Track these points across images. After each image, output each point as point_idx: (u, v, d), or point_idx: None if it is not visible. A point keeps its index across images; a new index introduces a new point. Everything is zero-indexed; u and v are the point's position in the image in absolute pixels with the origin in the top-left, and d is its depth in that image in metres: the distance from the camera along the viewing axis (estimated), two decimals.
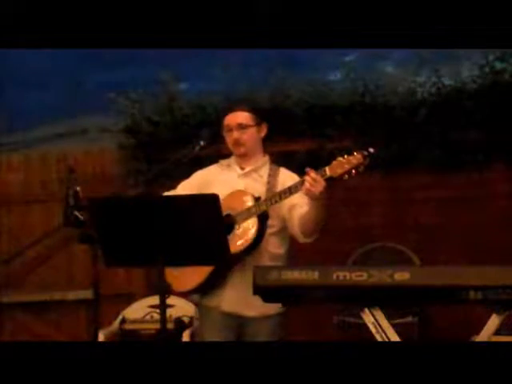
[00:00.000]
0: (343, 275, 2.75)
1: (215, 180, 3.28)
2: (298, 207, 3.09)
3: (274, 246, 3.17)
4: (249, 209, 3.08)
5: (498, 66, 5.24)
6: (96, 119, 6.79)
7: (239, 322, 3.17)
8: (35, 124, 8.58)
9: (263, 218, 3.10)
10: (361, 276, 2.74)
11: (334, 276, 2.76)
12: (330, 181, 2.88)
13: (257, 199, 3.11)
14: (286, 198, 3.04)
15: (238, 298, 3.13)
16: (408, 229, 5.24)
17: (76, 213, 3.17)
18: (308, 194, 2.92)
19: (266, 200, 3.09)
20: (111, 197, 3.24)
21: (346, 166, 2.85)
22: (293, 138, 5.34)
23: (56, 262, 5.81)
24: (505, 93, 5.14)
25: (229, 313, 3.16)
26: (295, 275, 2.79)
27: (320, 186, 2.87)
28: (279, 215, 3.16)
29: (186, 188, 3.31)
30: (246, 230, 3.05)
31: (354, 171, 2.86)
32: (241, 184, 3.23)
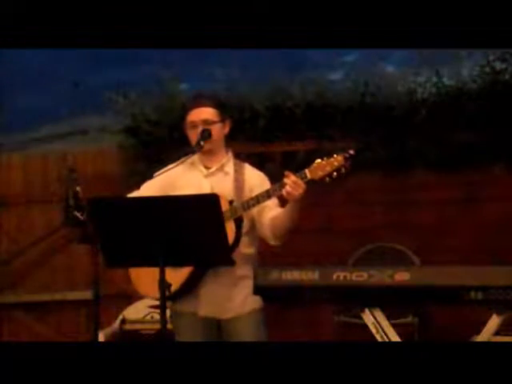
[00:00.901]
0: (343, 275, 2.76)
1: (179, 180, 3.20)
2: (268, 209, 3.06)
3: (245, 246, 3.13)
4: (225, 213, 2.93)
5: (499, 66, 5.24)
6: (96, 119, 6.78)
7: (217, 325, 3.15)
8: (35, 124, 8.57)
9: (239, 222, 3.06)
10: (361, 276, 2.74)
11: (335, 276, 2.77)
12: (310, 183, 2.85)
13: (230, 202, 3.06)
14: (263, 201, 3.01)
15: (213, 302, 3.11)
16: (408, 229, 5.23)
17: (76, 213, 3.17)
18: (288, 197, 2.89)
19: (242, 204, 3.04)
20: (111, 197, 3.24)
21: (327, 169, 2.83)
22: (293, 138, 5.34)
23: (56, 263, 5.81)
24: (505, 93, 5.13)
25: (205, 317, 3.14)
26: (295, 275, 2.79)
27: (301, 188, 2.85)
28: (248, 215, 3.11)
29: (149, 188, 3.22)
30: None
31: (335, 173, 2.83)
32: (207, 184, 3.18)
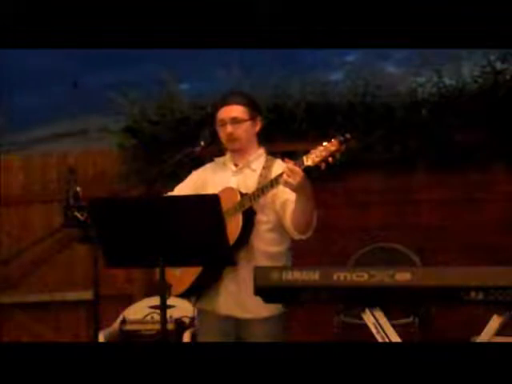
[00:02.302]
0: (344, 276, 2.75)
1: (210, 179, 3.22)
2: (290, 202, 3.01)
3: (269, 244, 3.10)
4: (234, 206, 3.01)
5: (499, 66, 5.23)
6: (96, 119, 6.78)
7: (236, 325, 3.12)
8: (35, 124, 8.56)
9: (249, 214, 3.03)
10: (361, 276, 2.73)
11: (335, 276, 2.76)
12: (308, 170, 2.82)
13: (243, 195, 3.04)
14: (268, 191, 2.97)
15: (232, 300, 3.09)
16: (409, 229, 5.23)
17: (76, 213, 3.17)
18: (286, 185, 2.86)
19: (249, 196, 3.02)
20: (111, 197, 3.24)
21: (323, 154, 2.79)
22: (293, 138, 5.33)
23: (56, 263, 5.81)
24: (506, 93, 5.13)
25: (225, 316, 3.12)
26: (296, 276, 2.78)
27: (298, 176, 2.81)
28: (274, 210, 3.09)
29: (182, 190, 3.25)
30: (232, 228, 2.95)
31: (330, 158, 2.79)
32: (233, 181, 3.16)
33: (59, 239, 5.67)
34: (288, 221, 3.04)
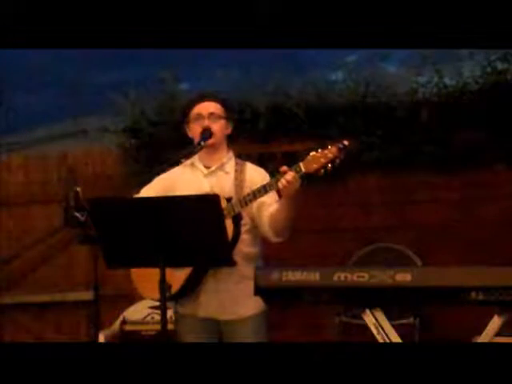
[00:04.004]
0: (344, 276, 2.75)
1: (179, 181, 3.19)
2: (267, 205, 3.01)
3: (246, 245, 3.10)
4: (224, 210, 2.94)
5: (500, 66, 5.23)
6: (96, 119, 6.77)
7: (217, 327, 3.12)
8: (35, 124, 8.55)
9: (237, 219, 3.03)
10: (362, 277, 2.73)
11: (335, 277, 2.76)
12: (305, 177, 2.81)
13: (228, 200, 3.03)
14: (260, 196, 2.96)
15: (212, 302, 3.09)
16: (409, 229, 5.23)
17: (76, 213, 3.17)
18: (283, 192, 2.86)
19: (239, 200, 3.01)
20: (112, 197, 3.22)
21: (322, 161, 2.77)
22: (294, 138, 5.33)
23: (56, 263, 5.80)
24: (507, 93, 5.12)
25: (205, 318, 3.12)
26: (296, 276, 2.78)
27: (295, 183, 2.81)
28: (249, 213, 3.08)
29: (149, 191, 3.20)
30: None
31: (329, 166, 2.78)
32: (206, 183, 3.15)
33: (59, 239, 5.66)
34: (265, 224, 3.04)
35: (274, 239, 3.07)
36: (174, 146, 5.03)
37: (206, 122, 3.13)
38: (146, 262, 2.87)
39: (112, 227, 2.80)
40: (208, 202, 2.74)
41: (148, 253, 2.79)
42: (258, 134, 5.39)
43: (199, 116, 3.16)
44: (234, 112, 3.30)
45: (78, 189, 3.19)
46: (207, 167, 3.20)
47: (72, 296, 5.68)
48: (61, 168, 5.75)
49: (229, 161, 3.21)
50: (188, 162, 3.20)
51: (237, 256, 3.02)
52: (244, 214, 3.07)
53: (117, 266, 2.93)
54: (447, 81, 5.31)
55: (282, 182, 2.83)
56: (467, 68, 5.30)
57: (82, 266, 5.51)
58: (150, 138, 5.61)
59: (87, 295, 4.92)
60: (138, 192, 3.26)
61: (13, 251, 5.76)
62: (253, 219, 3.10)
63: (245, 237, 3.09)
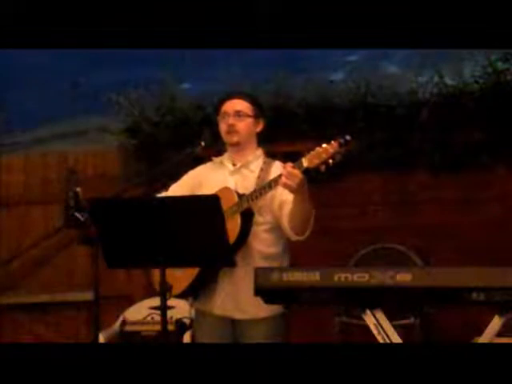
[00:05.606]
0: (345, 276, 2.74)
1: (206, 179, 3.21)
2: (287, 204, 3.01)
3: (266, 245, 3.10)
4: (231, 207, 3.01)
5: (501, 66, 5.23)
6: (96, 119, 6.78)
7: (233, 326, 3.12)
8: (35, 124, 8.56)
9: (247, 215, 3.03)
10: (362, 277, 2.73)
11: (336, 277, 2.75)
12: (307, 172, 2.81)
13: (240, 196, 3.04)
14: (266, 192, 2.97)
15: (229, 301, 3.09)
16: (410, 230, 5.23)
17: (76, 214, 3.16)
18: (285, 187, 2.85)
19: (247, 196, 3.01)
20: (112, 198, 3.23)
21: (323, 156, 2.77)
22: (295, 138, 5.32)
23: (56, 263, 5.80)
24: (507, 93, 5.12)
25: (222, 316, 3.12)
26: (297, 276, 2.78)
27: (297, 178, 2.80)
28: (272, 211, 3.08)
29: (178, 189, 3.24)
30: (231, 229, 2.93)
31: (330, 161, 2.78)
32: (231, 181, 3.16)
33: (59, 240, 5.66)
34: (285, 222, 3.03)
35: (293, 237, 3.06)
36: (174, 147, 5.03)
37: (231, 120, 3.14)
38: (146, 262, 2.87)
39: (112, 227, 2.80)
40: (208, 203, 2.74)
41: (148, 253, 2.79)
42: (257, 134, 5.38)
43: (225, 114, 3.17)
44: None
45: (78, 189, 3.19)
46: (234, 165, 3.21)
47: (72, 296, 5.67)
48: (61, 168, 5.75)
49: (256, 159, 3.21)
50: (217, 159, 3.25)
51: (256, 256, 3.04)
52: (267, 213, 3.08)
53: (117, 267, 2.93)
54: (447, 81, 5.30)
55: (283, 178, 2.83)
56: (467, 68, 5.30)
57: (81, 267, 5.51)
58: (150, 139, 5.61)
59: (87, 296, 4.91)
60: (166, 190, 3.28)
61: (13, 252, 5.76)
62: (276, 218, 3.09)
63: (265, 236, 3.09)
